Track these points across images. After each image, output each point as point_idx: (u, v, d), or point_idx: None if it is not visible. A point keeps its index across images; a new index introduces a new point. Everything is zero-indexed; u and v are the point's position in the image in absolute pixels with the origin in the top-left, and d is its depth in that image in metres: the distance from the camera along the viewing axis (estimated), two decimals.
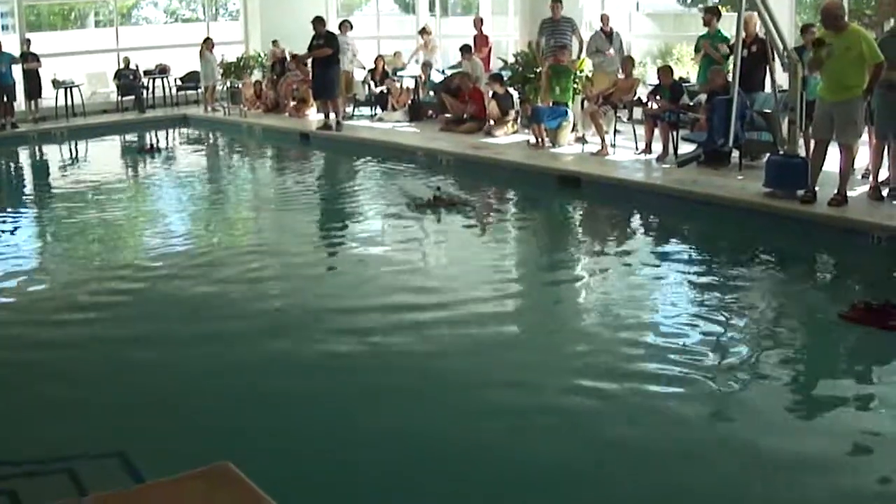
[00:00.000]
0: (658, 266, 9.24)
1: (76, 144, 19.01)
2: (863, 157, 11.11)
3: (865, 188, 10.74)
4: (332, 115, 17.47)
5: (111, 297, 8.37)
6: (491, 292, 8.26)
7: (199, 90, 22.22)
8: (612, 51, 15.72)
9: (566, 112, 14.79)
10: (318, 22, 17.39)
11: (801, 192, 10.33)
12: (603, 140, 13.92)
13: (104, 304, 8.17)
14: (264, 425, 5.54)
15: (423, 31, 20.10)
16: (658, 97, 13.78)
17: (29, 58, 19.51)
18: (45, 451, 5.00)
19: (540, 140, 14.73)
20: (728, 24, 14.09)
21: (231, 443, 5.11)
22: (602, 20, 16.15)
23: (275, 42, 21.90)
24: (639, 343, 6.87)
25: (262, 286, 8.66)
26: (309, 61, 17.96)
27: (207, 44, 21.33)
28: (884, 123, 10.28)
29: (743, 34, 12.61)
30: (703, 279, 8.84)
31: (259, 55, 22.85)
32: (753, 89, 12.51)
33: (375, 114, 19.34)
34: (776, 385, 6.24)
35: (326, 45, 17.07)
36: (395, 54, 20.94)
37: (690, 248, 10.12)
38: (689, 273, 9.04)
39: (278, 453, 5.09)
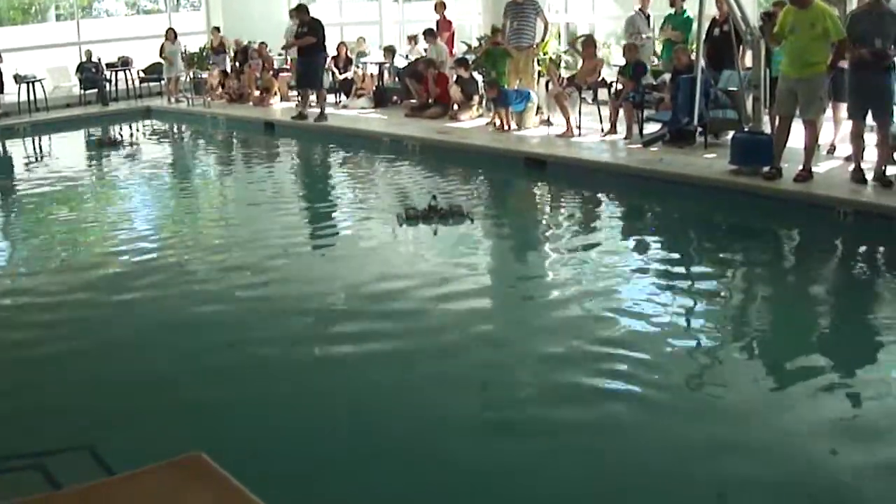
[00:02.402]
0: (627, 247, 9.30)
1: (39, 139, 18.79)
2: (827, 133, 11.19)
3: (830, 164, 10.85)
4: (313, 106, 17.22)
5: (78, 293, 8.30)
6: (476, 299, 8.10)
7: (163, 81, 22.06)
8: (650, 33, 15.52)
9: (529, 94, 14.81)
10: (301, 10, 17.03)
11: (765, 169, 10.38)
12: (568, 122, 13.94)
13: (71, 300, 8.11)
14: (241, 418, 5.52)
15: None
16: (622, 75, 13.86)
17: None
18: (16, 448, 4.97)
19: (505, 123, 14.76)
20: (691, 5, 14.10)
21: (206, 435, 5.09)
22: (642, 1, 15.77)
23: (216, 29, 21.90)
24: (613, 334, 6.74)
25: (236, 284, 8.43)
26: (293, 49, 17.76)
27: (169, 34, 21.18)
28: (856, 104, 10.08)
29: (716, 13, 12.74)
30: (671, 257, 8.94)
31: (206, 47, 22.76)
32: (725, 68, 12.55)
33: (340, 101, 19.27)
34: (748, 366, 6.30)
35: (310, 34, 16.78)
36: (358, 40, 20.81)
37: (657, 227, 10.18)
38: (657, 252, 9.12)
39: (255, 445, 5.08)
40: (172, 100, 21.28)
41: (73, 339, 7.07)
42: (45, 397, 5.93)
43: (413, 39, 19.77)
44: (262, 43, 20.83)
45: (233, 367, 6.38)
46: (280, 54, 20.84)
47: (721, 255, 9.00)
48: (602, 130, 13.87)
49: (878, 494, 4.54)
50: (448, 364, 6.35)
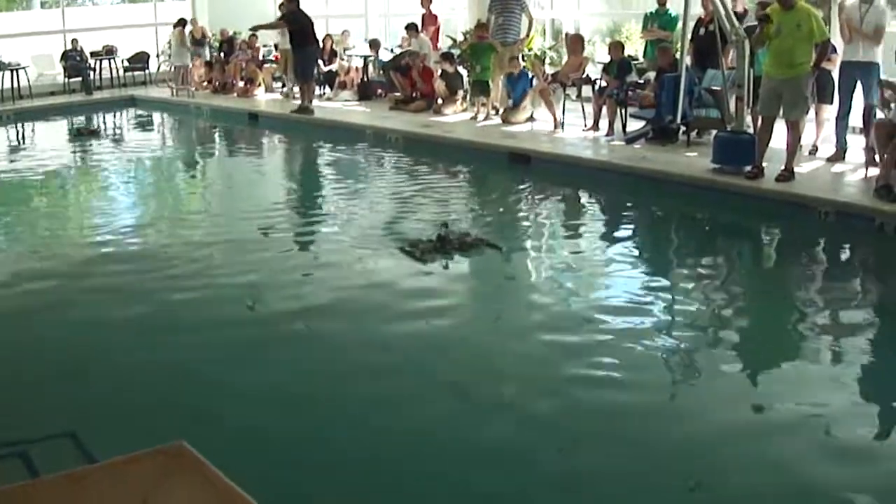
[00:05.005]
0: (608, 244, 9.33)
1: (22, 127, 18.69)
2: (809, 133, 11.25)
3: (812, 164, 10.92)
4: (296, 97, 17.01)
5: (59, 280, 8.28)
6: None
7: (170, 70, 21.90)
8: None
9: (531, 79, 14.87)
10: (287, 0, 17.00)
11: (747, 169, 10.42)
12: (554, 117, 13.98)
13: (53, 287, 8.08)
14: (224, 408, 5.51)
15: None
16: (606, 73, 13.90)
17: None
18: None
19: (489, 112, 15.05)
20: (674, 4, 14.08)
21: (189, 425, 5.08)
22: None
23: (193, 21, 21.80)
24: (592, 330, 6.74)
25: (215, 283, 8.34)
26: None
27: (182, 22, 21.01)
28: None
29: (702, 13, 12.76)
30: (651, 255, 8.99)
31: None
32: (709, 67, 12.54)
33: (324, 93, 19.25)
34: (723, 363, 6.34)
35: (285, 21, 16.77)
36: (342, 33, 20.70)
37: (639, 225, 10.19)
38: (637, 249, 9.17)
39: (238, 435, 5.09)
40: (181, 91, 20.84)
41: (56, 326, 7.06)
42: (28, 385, 5.93)
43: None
44: (253, 35, 20.73)
45: (227, 356, 6.38)
46: (266, 45, 20.76)
47: (702, 254, 9.05)
48: (585, 126, 13.91)
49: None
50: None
